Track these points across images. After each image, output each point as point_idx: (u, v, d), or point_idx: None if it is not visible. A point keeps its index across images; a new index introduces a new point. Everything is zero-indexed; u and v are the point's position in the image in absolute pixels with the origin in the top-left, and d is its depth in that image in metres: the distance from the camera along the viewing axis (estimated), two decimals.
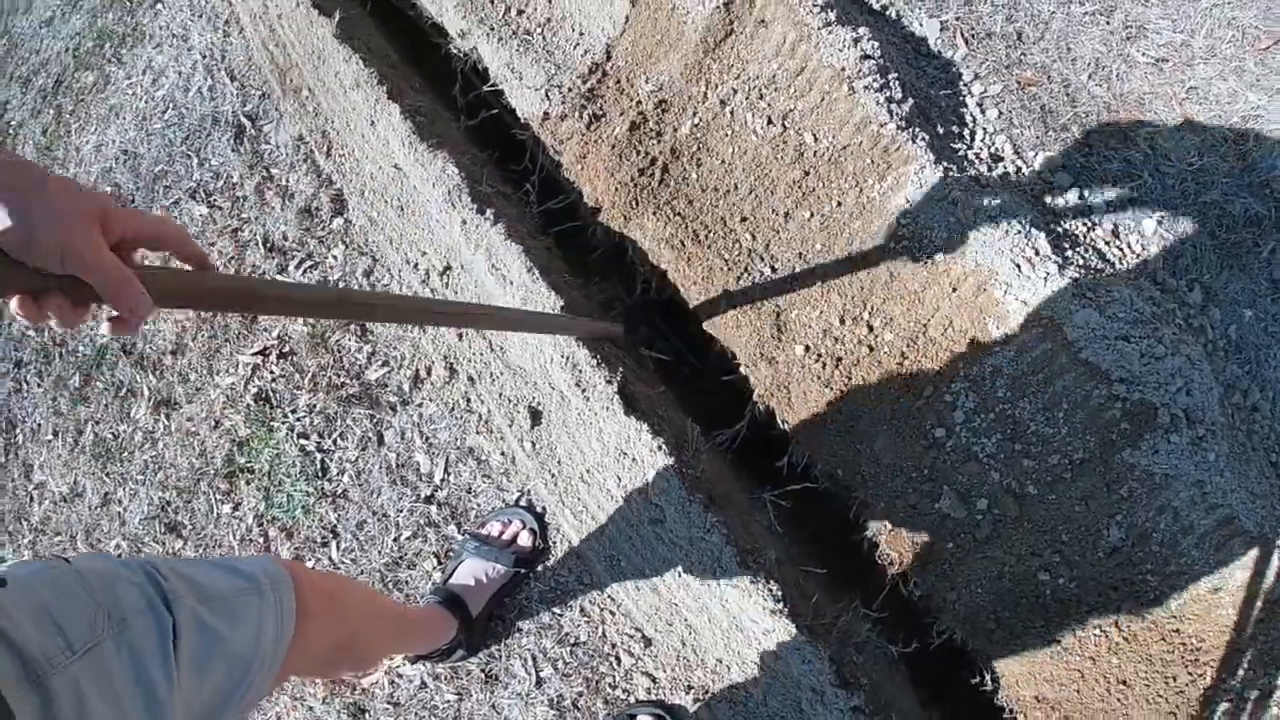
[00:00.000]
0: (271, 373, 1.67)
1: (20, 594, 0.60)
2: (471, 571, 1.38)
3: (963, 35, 1.53)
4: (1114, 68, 1.57)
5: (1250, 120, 1.54)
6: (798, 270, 1.33)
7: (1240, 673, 1.33)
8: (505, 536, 1.40)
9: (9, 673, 0.56)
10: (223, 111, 1.92)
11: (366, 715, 1.53)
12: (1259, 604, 1.32)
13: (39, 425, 2.08)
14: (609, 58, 1.45)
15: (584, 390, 1.30)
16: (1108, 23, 1.59)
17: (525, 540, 1.40)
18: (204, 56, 2.01)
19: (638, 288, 1.44)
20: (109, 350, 1.97)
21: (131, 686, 0.63)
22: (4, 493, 2.10)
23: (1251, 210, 1.51)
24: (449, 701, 1.48)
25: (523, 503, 1.43)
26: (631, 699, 1.39)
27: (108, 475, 1.91)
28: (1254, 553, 1.26)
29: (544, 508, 1.42)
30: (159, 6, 2.24)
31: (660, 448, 1.24)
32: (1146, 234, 1.48)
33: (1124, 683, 1.33)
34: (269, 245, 1.73)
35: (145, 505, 1.82)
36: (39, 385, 2.11)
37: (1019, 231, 1.25)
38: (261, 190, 1.78)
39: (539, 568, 1.43)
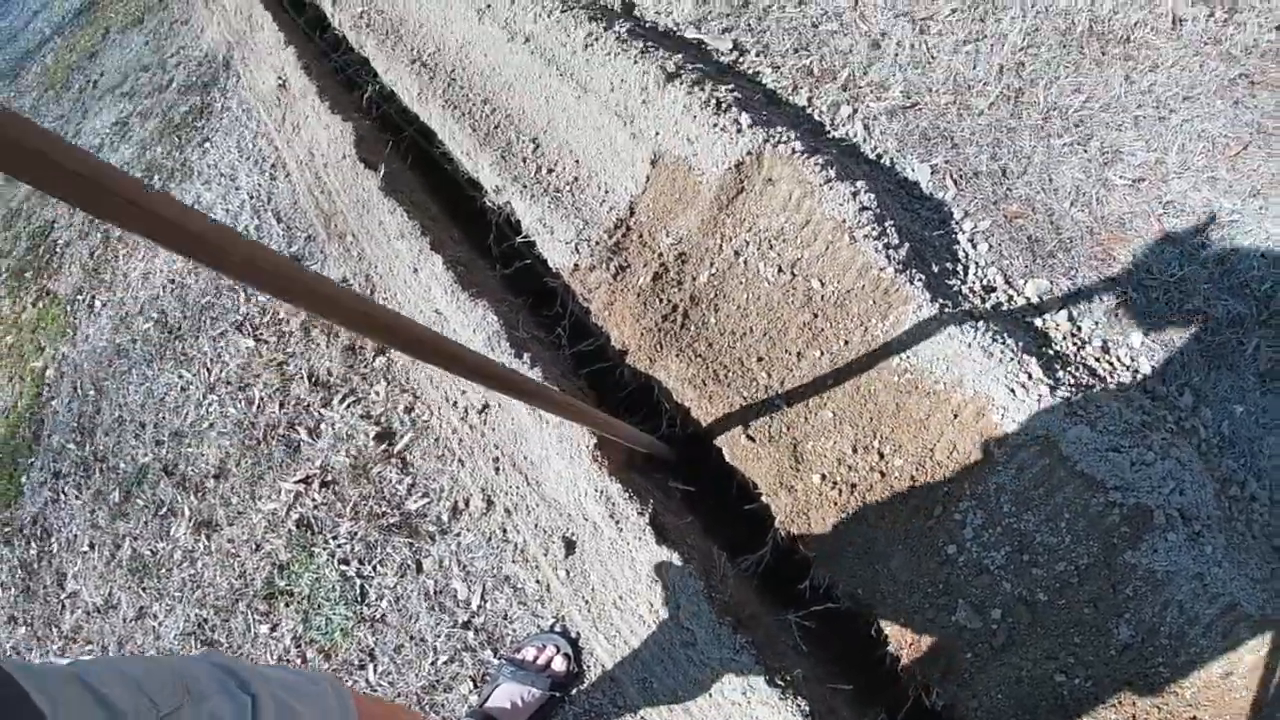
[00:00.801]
0: (314, 500, 1.76)
1: (108, 667, 0.65)
2: (508, 695, 1.43)
3: (952, 177, 1.69)
4: (1094, 193, 1.72)
5: (1225, 226, 1.68)
6: (811, 404, 1.45)
7: None
8: (540, 661, 1.46)
9: None
10: None
11: None
12: (1272, 685, 1.37)
13: (75, 536, 2.14)
14: (632, 214, 1.60)
15: (617, 521, 1.39)
16: (1085, 151, 1.76)
17: (560, 664, 1.46)
18: (251, 197, 2.19)
19: (664, 424, 1.55)
20: (150, 469, 2.06)
21: None
22: (34, 598, 2.15)
23: (1234, 311, 1.64)
24: None
25: (557, 628, 1.50)
26: None
27: (144, 590, 1.97)
28: (1261, 636, 1.32)
29: (578, 633, 1.49)
30: (207, 145, 2.44)
31: (691, 574, 1.33)
32: (1134, 346, 1.60)
33: None
34: (314, 380, 1.85)
35: (181, 621, 1.87)
36: (77, 497, 2.19)
37: (1012, 358, 1.37)
38: (307, 328, 1.91)
39: (574, 690, 1.48)
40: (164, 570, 1.97)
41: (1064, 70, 1.74)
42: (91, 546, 2.11)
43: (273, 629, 1.77)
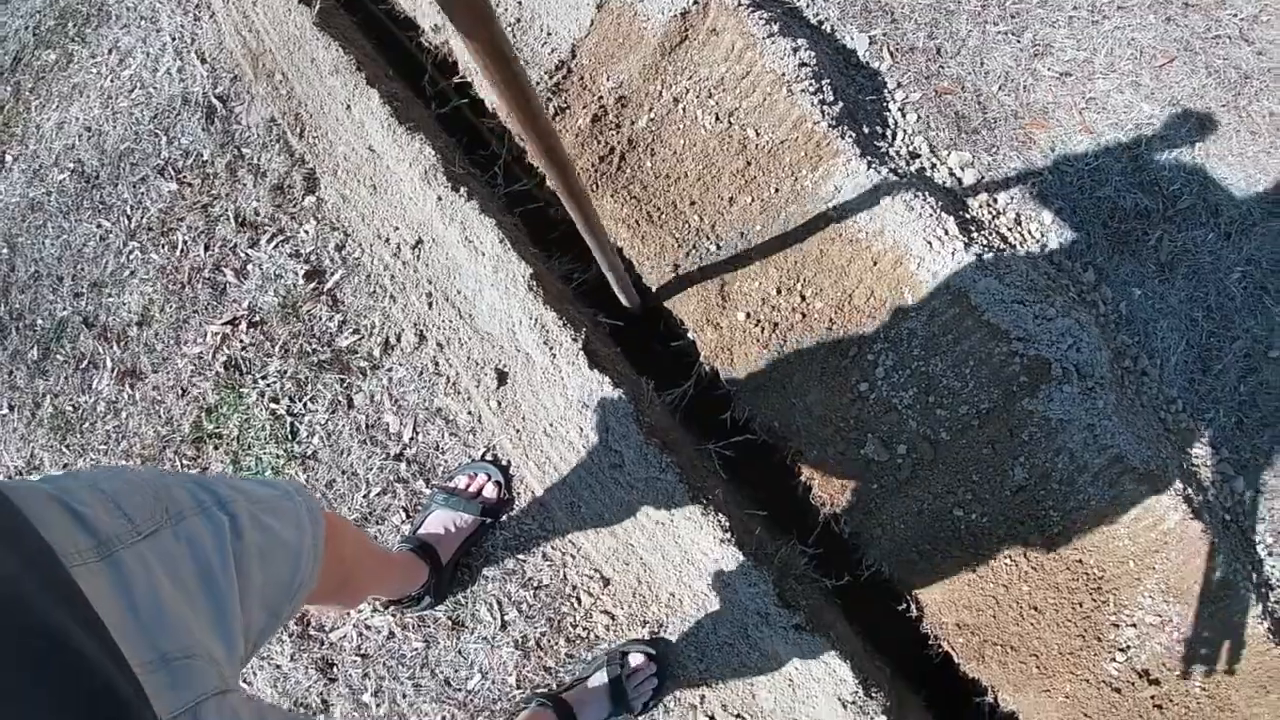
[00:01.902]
0: (241, 341, 1.74)
1: (88, 485, 0.63)
2: (441, 521, 1.48)
3: (888, 49, 1.74)
4: (1022, 80, 1.80)
5: (1143, 127, 1.79)
6: (740, 248, 1.50)
7: (1140, 599, 1.54)
8: (472, 489, 1.51)
9: (85, 546, 0.58)
10: (193, 93, 1.98)
11: (335, 668, 1.60)
12: (1152, 535, 1.53)
13: None
14: (574, 56, 1.60)
15: (550, 348, 1.43)
16: (1018, 41, 1.83)
17: (491, 491, 1.51)
18: (174, 39, 2.07)
19: (594, 264, 1.58)
20: (70, 323, 1.98)
21: (194, 573, 0.65)
22: None
23: (1141, 204, 1.76)
24: (416, 650, 1.56)
25: (488, 458, 1.55)
26: (592, 636, 1.51)
27: (67, 447, 1.92)
28: (1143, 488, 1.47)
29: (509, 461, 1.54)
30: None
31: (621, 398, 1.38)
32: (1045, 223, 1.71)
33: (1035, 609, 1.53)
34: (240, 220, 1.80)
35: None
36: None
37: (931, 214, 1.45)
38: (233, 168, 1.85)
39: (504, 517, 1.54)
40: (87, 425, 1.91)
41: None
42: (11, 409, 2.03)
43: (202, 473, 1.76)
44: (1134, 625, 1.55)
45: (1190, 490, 1.54)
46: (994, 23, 1.83)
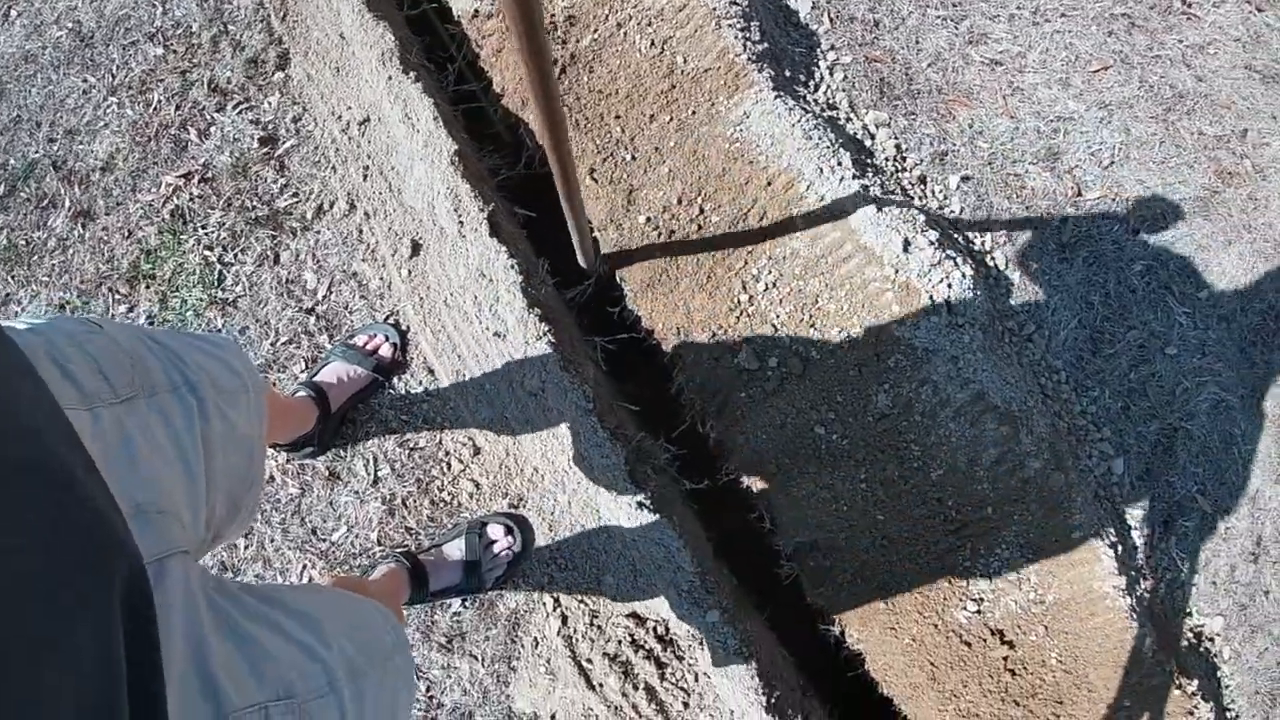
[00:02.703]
0: (191, 193, 1.85)
1: (72, 342, 0.65)
2: (335, 372, 1.56)
3: (829, 15, 1.88)
4: (952, 61, 1.92)
5: (1064, 120, 1.89)
6: (651, 160, 1.62)
7: (998, 550, 1.58)
8: (369, 347, 1.60)
9: (69, 396, 0.60)
10: None
11: None
12: (1012, 482, 1.58)
13: None
14: None
15: (460, 218, 1.54)
16: (955, 27, 1.95)
17: (386, 351, 1.60)
18: None
19: (522, 159, 1.70)
20: (39, 165, 2.10)
21: (167, 441, 0.67)
22: None
23: (1050, 187, 1.86)
24: (292, 495, 1.64)
25: (390, 321, 1.64)
26: (456, 503, 1.58)
27: (12, 277, 2.02)
28: (1005, 430, 1.52)
29: (409, 327, 1.63)
30: None
31: (514, 268, 1.48)
32: (950, 187, 1.81)
33: (888, 539, 1.58)
34: (213, 86, 1.93)
35: (44, 305, 1.94)
36: None
37: (828, 147, 1.57)
38: (216, 41, 1.98)
39: (395, 380, 1.63)
40: (35, 258, 2.02)
41: None
42: None
43: (130, 309, 1.86)
44: (988, 577, 1.59)
45: (1058, 444, 1.59)
46: (935, 7, 1.96)
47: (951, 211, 1.78)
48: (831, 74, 1.79)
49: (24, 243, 2.05)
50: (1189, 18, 2.06)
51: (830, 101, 1.75)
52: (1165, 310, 1.86)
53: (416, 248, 1.63)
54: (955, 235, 1.70)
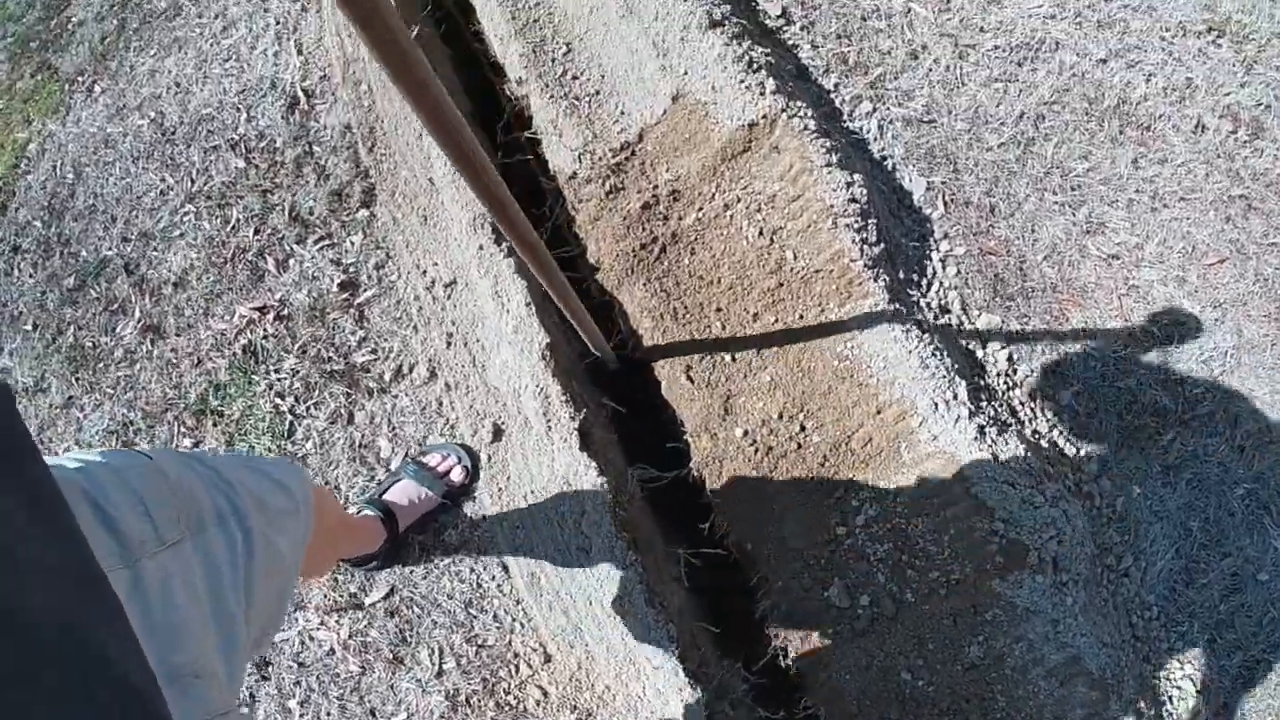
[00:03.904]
0: (265, 330, 1.79)
1: (119, 481, 0.64)
2: (405, 492, 1.51)
3: (944, 198, 1.76)
4: (1068, 255, 1.81)
5: (1178, 325, 1.79)
6: (754, 364, 1.53)
7: None
8: (441, 468, 1.54)
9: (110, 552, 0.59)
10: (282, 79, 2.06)
11: (270, 668, 1.62)
12: None
13: (20, 313, 2.14)
14: (640, 140, 1.64)
15: (549, 420, 1.46)
16: (1073, 215, 1.84)
17: (458, 475, 1.54)
18: (278, 23, 2.15)
19: (613, 341, 1.62)
20: (111, 263, 2.06)
21: (207, 590, 0.67)
22: None
23: (1160, 402, 1.76)
24: (352, 672, 1.59)
25: (460, 441, 1.57)
26: (521, 708, 1.52)
27: (77, 380, 1.98)
28: (1095, 695, 1.46)
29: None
30: None
31: (604, 486, 1.41)
32: (1060, 403, 1.71)
33: None
34: (294, 215, 1.87)
35: (107, 419, 1.90)
36: (31, 276, 2.17)
37: (944, 376, 1.47)
38: (300, 163, 1.92)
39: (464, 504, 1.55)
40: (101, 365, 1.98)
41: (1079, 135, 1.81)
42: (35, 327, 2.10)
43: (195, 444, 1.81)
44: None
45: (1143, 704, 1.52)
46: (1054, 191, 1.84)
47: (1059, 430, 1.67)
48: (944, 268, 1.69)
49: (90, 345, 2.01)
50: None
51: (943, 303, 1.64)
52: (1261, 534, 1.76)
53: (498, 432, 1.56)
54: (1066, 471, 1.60)
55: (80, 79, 2.36)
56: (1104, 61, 1.94)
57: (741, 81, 1.57)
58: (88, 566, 0.40)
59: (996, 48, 1.91)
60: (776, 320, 1.54)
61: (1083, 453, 1.70)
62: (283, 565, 0.80)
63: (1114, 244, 1.83)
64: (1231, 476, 1.76)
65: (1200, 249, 1.86)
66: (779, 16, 1.89)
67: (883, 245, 1.56)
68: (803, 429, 1.49)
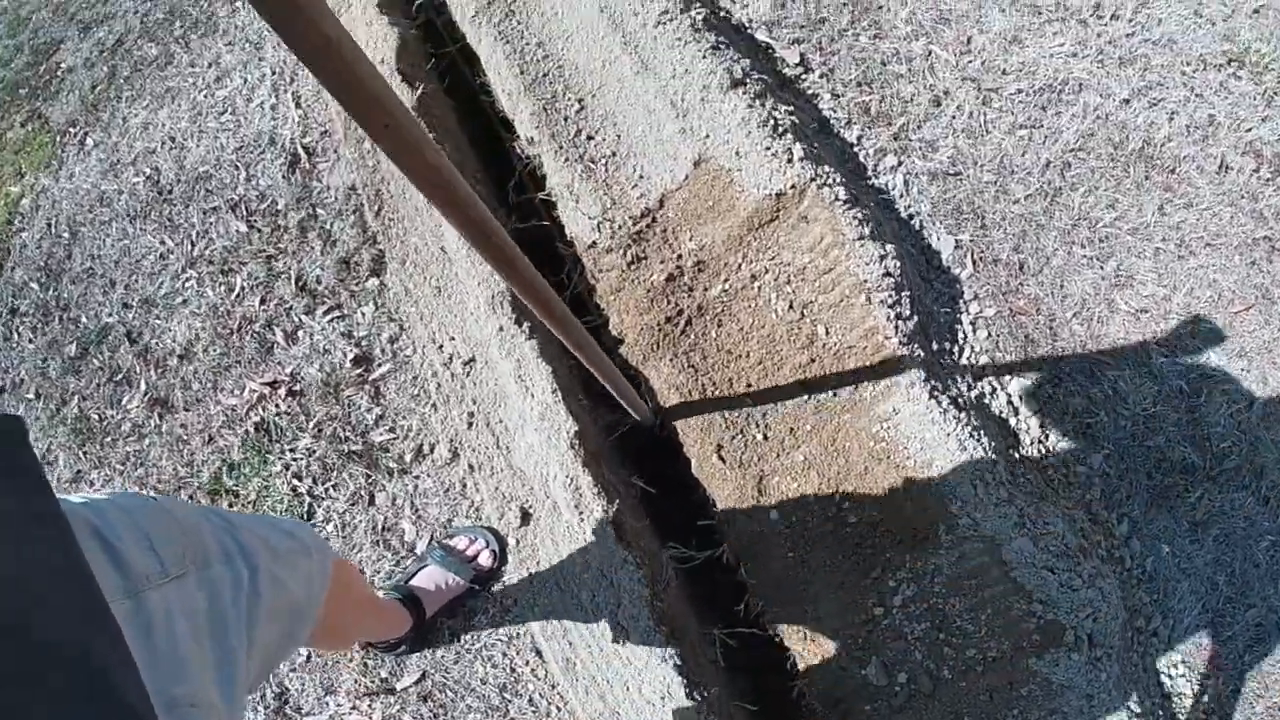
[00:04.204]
0: (278, 406, 1.75)
1: (126, 518, 0.65)
2: (432, 578, 1.48)
3: (973, 257, 1.72)
4: (1098, 311, 1.78)
5: (1208, 378, 1.77)
6: (785, 443, 1.50)
7: None
8: (469, 552, 1.51)
9: (114, 585, 0.60)
10: (281, 135, 1.99)
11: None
12: None
13: (22, 380, 2.08)
14: (661, 207, 1.59)
15: (580, 511, 1.43)
16: (1102, 268, 1.80)
17: (486, 560, 1.51)
18: (274, 73, 2.07)
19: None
20: (113, 331, 2.00)
21: (209, 624, 0.67)
22: None
23: (1189, 459, 1.74)
24: None
25: (487, 524, 1.54)
26: None
27: (84, 454, 1.93)
28: None
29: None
30: (238, 4, 2.29)
31: (641, 580, 1.38)
32: (1093, 467, 1.69)
33: None
34: (301, 283, 1.81)
35: None
36: (30, 341, 2.11)
37: (981, 455, 1.44)
38: (305, 227, 1.85)
39: (493, 587, 1.52)
40: (109, 439, 1.93)
41: (1105, 183, 1.77)
42: (37, 396, 2.04)
43: (230, 509, 1.77)
44: None
45: None
46: (1081, 245, 1.81)
47: (1091, 495, 1.66)
48: (975, 332, 1.66)
49: (97, 417, 1.96)
50: None
51: (976, 369, 1.61)
52: None
53: (526, 517, 1.53)
54: (1100, 539, 1.58)
55: (72, 130, 2.27)
56: (1127, 102, 1.89)
57: (768, 149, 1.52)
58: (93, 596, 0.42)
59: (1020, 91, 1.86)
60: (808, 398, 1.51)
61: (1114, 516, 1.69)
62: (292, 603, 0.80)
63: (1142, 297, 1.80)
64: (1257, 529, 1.76)
65: (1227, 296, 1.83)
66: (797, 64, 1.83)
67: (916, 318, 1.52)
68: (839, 510, 1.47)
